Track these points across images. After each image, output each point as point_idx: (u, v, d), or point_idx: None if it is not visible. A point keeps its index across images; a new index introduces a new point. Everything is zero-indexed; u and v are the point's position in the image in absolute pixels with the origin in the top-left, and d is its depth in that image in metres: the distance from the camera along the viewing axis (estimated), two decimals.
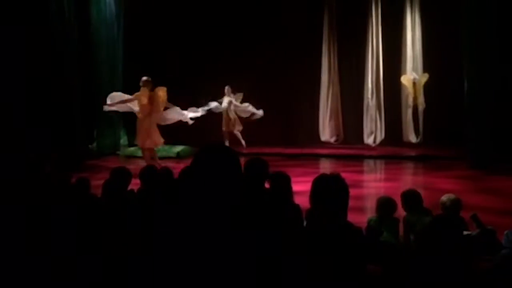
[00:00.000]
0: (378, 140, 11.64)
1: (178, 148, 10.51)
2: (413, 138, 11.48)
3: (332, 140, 12.32)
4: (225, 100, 10.97)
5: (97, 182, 4.50)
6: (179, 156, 10.23)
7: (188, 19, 11.97)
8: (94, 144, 11.06)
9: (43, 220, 2.95)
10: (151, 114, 8.25)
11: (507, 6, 8.81)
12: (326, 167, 9.79)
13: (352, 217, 2.38)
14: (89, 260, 2.47)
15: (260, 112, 11.13)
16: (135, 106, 8.41)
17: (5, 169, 4.39)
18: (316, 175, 2.38)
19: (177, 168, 7.18)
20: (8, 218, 2.96)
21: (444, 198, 3.81)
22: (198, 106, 9.69)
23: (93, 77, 10.83)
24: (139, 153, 10.51)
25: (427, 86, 11.17)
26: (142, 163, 7.49)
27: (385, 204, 3.92)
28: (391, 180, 8.01)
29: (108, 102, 8.62)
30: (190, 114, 9.02)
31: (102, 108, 8.85)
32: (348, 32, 12.14)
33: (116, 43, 11.37)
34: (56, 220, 2.89)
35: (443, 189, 5.98)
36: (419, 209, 3.81)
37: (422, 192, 6.39)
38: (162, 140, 8.44)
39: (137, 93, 8.25)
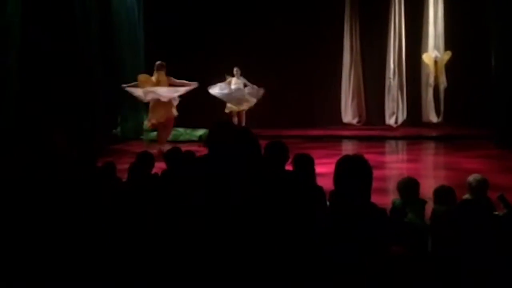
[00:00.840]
0: (400, 120, 11.49)
1: (200, 132, 10.57)
2: (433, 118, 11.30)
3: (354, 121, 12.21)
4: (233, 82, 10.86)
5: (122, 166, 4.58)
6: (201, 140, 10.30)
7: (207, 2, 11.92)
8: (118, 129, 11.21)
9: (72, 204, 3.02)
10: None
11: None
12: (348, 148, 9.74)
13: (375, 199, 2.38)
14: (118, 243, 2.53)
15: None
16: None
17: (33, 153, 4.50)
18: (338, 157, 2.37)
19: (199, 151, 7.23)
20: (37, 202, 3.04)
21: (471, 178, 3.75)
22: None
23: (115, 62, 10.92)
24: None
25: (449, 65, 10.94)
26: (165, 147, 7.59)
27: (407, 185, 3.86)
28: (415, 161, 7.93)
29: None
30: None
31: (125, 93, 9.03)
32: (370, 11, 11.92)
33: (137, 26, 11.42)
34: (85, 203, 2.96)
35: (468, 169, 5.90)
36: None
37: (447, 172, 6.30)
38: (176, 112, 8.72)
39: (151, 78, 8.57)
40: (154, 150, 6.38)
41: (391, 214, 2.87)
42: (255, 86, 10.67)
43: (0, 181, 3.46)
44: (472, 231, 2.19)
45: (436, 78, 11.08)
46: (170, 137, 10.23)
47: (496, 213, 3.51)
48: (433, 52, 11.15)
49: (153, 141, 10.58)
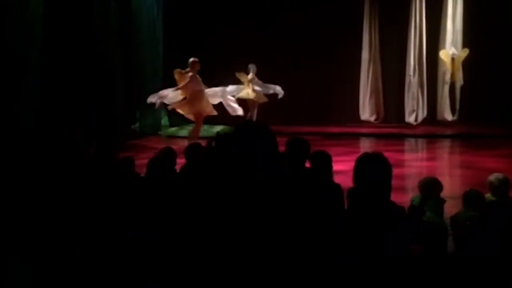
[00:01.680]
0: (420, 118, 11.35)
1: (218, 128, 10.61)
2: (448, 116, 11.13)
3: (372, 119, 12.10)
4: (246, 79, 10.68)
5: (140, 162, 4.62)
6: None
7: (225, 1, 11.93)
8: (137, 125, 11.33)
9: (91, 199, 3.06)
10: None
11: None
12: (366, 146, 9.67)
13: (394, 197, 2.36)
14: (140, 237, 2.55)
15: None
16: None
17: (54, 147, 4.56)
18: (356, 155, 2.36)
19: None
20: (55, 197, 3.09)
21: (492, 177, 3.68)
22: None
23: (134, 59, 11.02)
24: (180, 133, 10.72)
25: (466, 62, 10.76)
26: (183, 143, 7.63)
27: (427, 184, 3.82)
28: (433, 159, 7.84)
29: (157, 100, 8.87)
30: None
31: (143, 89, 9.09)
32: (390, 8, 11.79)
33: (156, 24, 11.50)
34: (104, 198, 3.00)
35: (487, 168, 5.81)
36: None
37: (466, 171, 6.20)
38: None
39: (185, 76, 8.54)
40: (175, 146, 6.40)
41: (408, 213, 2.84)
42: (269, 86, 10.65)
43: (21, 177, 3.52)
44: (500, 234, 2.16)
45: (453, 75, 10.92)
46: (187, 133, 10.31)
47: None
48: (451, 49, 10.98)
49: (170, 136, 10.67)
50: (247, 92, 10.44)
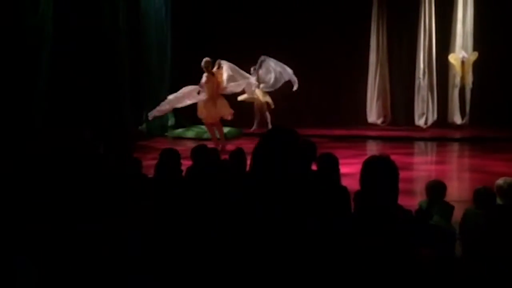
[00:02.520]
0: (430, 121, 11.28)
1: (225, 130, 10.62)
2: (458, 120, 11.07)
3: (379, 121, 12.06)
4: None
5: (148, 163, 4.63)
6: (226, 137, 10.35)
7: (233, 1, 11.95)
8: (143, 126, 11.37)
9: (98, 198, 3.07)
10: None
11: None
12: (374, 149, 9.62)
13: (401, 200, 2.34)
14: (147, 236, 2.56)
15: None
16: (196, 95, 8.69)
17: (62, 147, 4.58)
18: (363, 157, 2.35)
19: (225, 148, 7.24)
20: (62, 196, 3.10)
21: (501, 181, 3.63)
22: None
23: (142, 60, 11.07)
24: (187, 134, 10.75)
25: (476, 65, 10.69)
26: (189, 144, 7.64)
27: (434, 188, 3.79)
28: (442, 163, 7.78)
29: (166, 106, 8.90)
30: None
31: (150, 90, 9.11)
32: (398, 10, 11.75)
33: (164, 26, 11.55)
34: (110, 197, 3.01)
35: (496, 172, 5.75)
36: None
37: (474, 175, 6.15)
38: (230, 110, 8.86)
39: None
40: (182, 147, 6.41)
41: (416, 216, 2.82)
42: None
43: (28, 175, 3.54)
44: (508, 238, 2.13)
45: (463, 78, 10.86)
46: (193, 135, 10.32)
47: None
48: (460, 52, 10.92)
49: (177, 138, 10.70)
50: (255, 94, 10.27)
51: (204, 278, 1.98)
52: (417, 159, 8.57)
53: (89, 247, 2.56)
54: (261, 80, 10.46)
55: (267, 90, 10.52)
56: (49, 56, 8.53)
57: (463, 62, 10.82)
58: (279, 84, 10.29)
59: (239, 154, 3.98)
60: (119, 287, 2.36)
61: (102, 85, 9.62)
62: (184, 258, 2.24)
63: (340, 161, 3.59)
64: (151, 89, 9.12)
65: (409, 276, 2.09)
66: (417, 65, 11.45)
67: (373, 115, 12.11)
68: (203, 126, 10.47)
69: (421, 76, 11.35)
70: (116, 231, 2.60)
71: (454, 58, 10.90)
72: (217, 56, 9.22)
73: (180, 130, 11.16)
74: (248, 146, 2.88)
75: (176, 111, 11.31)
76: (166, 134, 11.28)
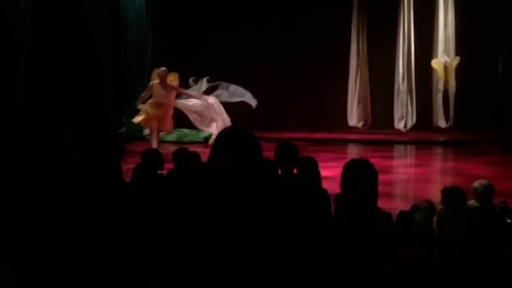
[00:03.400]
0: (409, 125, 11.45)
1: (205, 133, 10.59)
2: (442, 123, 11.25)
3: (360, 125, 12.19)
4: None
5: (127, 167, 4.57)
6: (206, 141, 10.31)
7: (215, 3, 11.94)
8: (123, 129, 11.25)
9: (75, 203, 3.02)
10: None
11: None
12: (354, 152, 9.70)
13: (381, 203, 2.36)
14: (121, 242, 2.52)
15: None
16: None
17: (39, 152, 4.50)
18: (344, 161, 2.36)
19: (205, 152, 7.20)
20: (39, 200, 3.04)
21: (476, 183, 3.69)
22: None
23: (123, 63, 10.97)
24: (167, 138, 10.67)
25: (458, 70, 10.89)
26: (170, 148, 7.59)
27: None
28: (421, 166, 7.87)
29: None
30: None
31: (131, 93, 9.05)
32: (378, 16, 11.90)
33: (145, 28, 11.46)
34: (88, 202, 2.96)
35: (476, 175, 5.83)
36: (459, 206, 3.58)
37: (453, 178, 6.22)
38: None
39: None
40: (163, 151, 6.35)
41: (397, 220, 2.85)
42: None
43: (6, 178, 3.47)
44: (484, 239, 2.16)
45: (446, 83, 11.06)
46: (174, 138, 10.23)
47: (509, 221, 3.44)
48: (443, 57, 11.11)
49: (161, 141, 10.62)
50: None
51: (185, 280, 1.97)
52: (396, 162, 8.66)
53: (65, 254, 2.51)
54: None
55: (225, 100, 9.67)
56: (28, 56, 8.39)
57: (445, 67, 11.03)
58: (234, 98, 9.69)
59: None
60: None
61: (81, 85, 9.50)
62: (163, 260, 2.21)
63: (321, 164, 3.60)
64: (130, 91, 9.04)
65: (388, 277, 2.10)
66: (396, 70, 11.62)
67: (353, 119, 12.23)
68: (184, 130, 10.42)
69: (400, 80, 11.52)
70: (93, 235, 2.56)
71: (437, 63, 11.10)
72: (196, 59, 9.20)
73: (160, 133, 11.06)
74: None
75: None
76: (146, 137, 11.17)
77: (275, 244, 1.87)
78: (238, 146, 1.84)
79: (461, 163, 7.81)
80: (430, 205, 3.68)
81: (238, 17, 11.92)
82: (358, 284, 2.07)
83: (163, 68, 8.50)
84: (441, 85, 11.15)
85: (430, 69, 11.36)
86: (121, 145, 4.27)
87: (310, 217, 2.60)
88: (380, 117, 12.19)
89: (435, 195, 3.93)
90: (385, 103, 11.94)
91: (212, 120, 9.27)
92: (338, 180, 2.32)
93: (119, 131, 11.03)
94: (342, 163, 2.40)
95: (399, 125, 11.53)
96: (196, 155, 4.28)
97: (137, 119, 8.81)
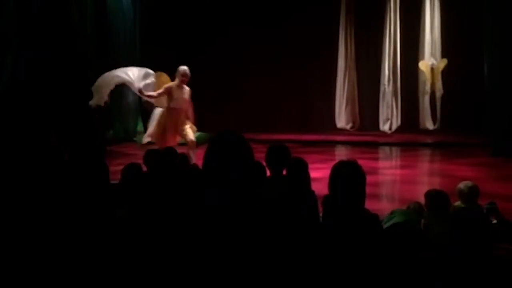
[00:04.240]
0: (394, 127, 11.55)
1: (196, 134, 10.56)
2: (430, 125, 11.37)
3: (348, 127, 12.27)
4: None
5: (114, 168, 4.54)
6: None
7: (204, 4, 11.93)
8: (111, 131, 11.19)
9: (61, 205, 3.00)
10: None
11: None
12: (342, 154, 9.76)
13: (368, 204, 2.38)
14: (110, 244, 2.51)
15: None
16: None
17: (27, 154, 4.47)
18: (332, 162, 2.38)
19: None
20: (26, 202, 3.02)
21: (461, 185, 3.74)
22: None
23: (111, 64, 10.90)
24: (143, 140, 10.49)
25: (445, 72, 11.01)
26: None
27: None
28: (408, 167, 7.94)
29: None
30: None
31: (118, 95, 8.92)
32: (365, 18, 12.01)
33: (132, 29, 11.42)
34: (75, 204, 2.95)
35: (462, 176, 5.90)
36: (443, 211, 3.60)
37: (440, 179, 6.28)
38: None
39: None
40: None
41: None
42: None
43: None
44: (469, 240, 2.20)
45: (433, 85, 11.17)
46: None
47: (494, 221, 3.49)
48: (430, 59, 11.23)
49: (145, 143, 10.55)
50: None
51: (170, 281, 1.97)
52: (383, 164, 8.73)
53: (50, 258, 2.50)
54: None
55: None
56: (14, 59, 8.31)
57: (432, 69, 11.14)
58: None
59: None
60: None
61: (68, 89, 9.42)
62: (151, 264, 2.21)
63: (310, 166, 3.62)
64: (118, 91, 9.00)
65: (376, 279, 2.13)
66: (382, 72, 11.72)
67: (342, 121, 12.31)
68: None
69: (386, 82, 11.62)
70: (79, 239, 2.55)
71: (424, 65, 11.21)
72: (185, 59, 9.14)
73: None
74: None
75: (144, 117, 11.17)
76: (134, 139, 11.12)
77: (264, 246, 1.88)
78: (231, 149, 1.86)
79: (447, 165, 7.90)
80: (419, 206, 3.72)
81: (226, 18, 11.93)
82: (346, 285, 2.09)
83: (185, 67, 7.07)
84: (428, 87, 11.26)
85: (416, 72, 11.47)
86: (102, 145, 4.22)
87: (298, 219, 2.61)
88: (367, 119, 12.28)
89: (422, 197, 3.97)
90: (371, 105, 12.03)
91: None
92: (326, 181, 2.34)
93: (106, 133, 10.97)
94: (330, 165, 2.42)
95: (384, 127, 11.64)
96: (184, 157, 4.27)
97: (146, 139, 7.61)
